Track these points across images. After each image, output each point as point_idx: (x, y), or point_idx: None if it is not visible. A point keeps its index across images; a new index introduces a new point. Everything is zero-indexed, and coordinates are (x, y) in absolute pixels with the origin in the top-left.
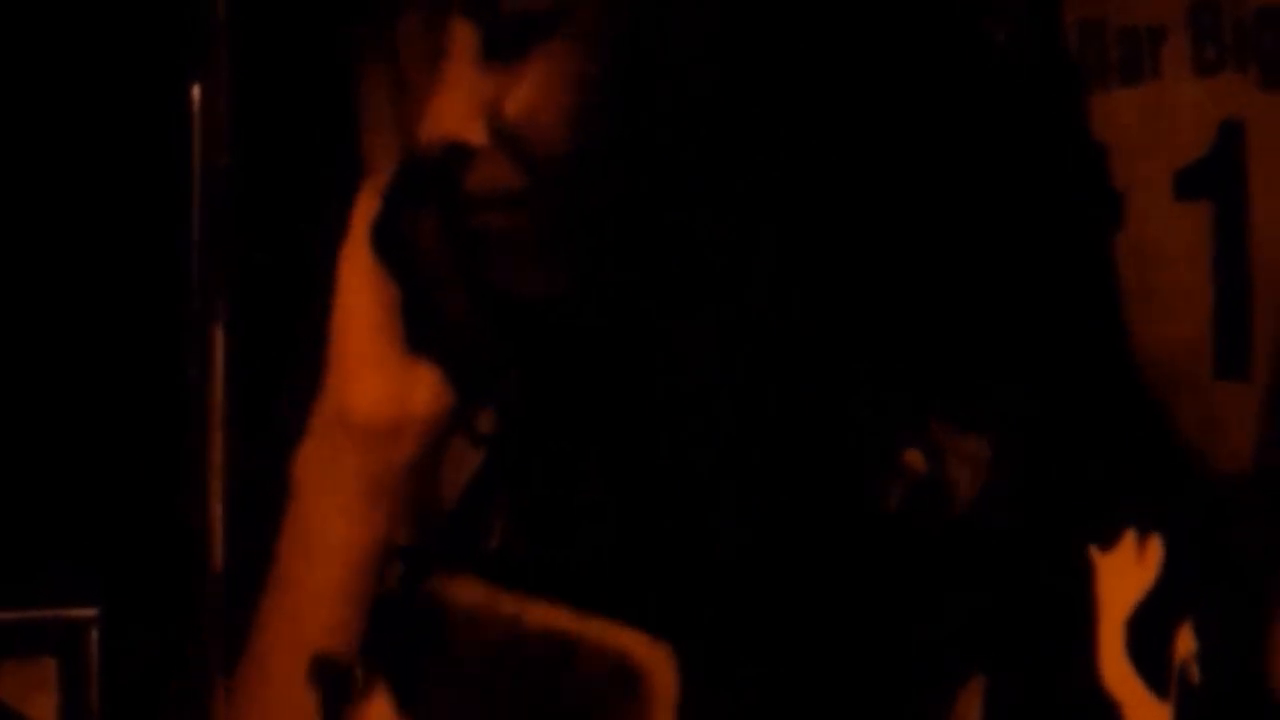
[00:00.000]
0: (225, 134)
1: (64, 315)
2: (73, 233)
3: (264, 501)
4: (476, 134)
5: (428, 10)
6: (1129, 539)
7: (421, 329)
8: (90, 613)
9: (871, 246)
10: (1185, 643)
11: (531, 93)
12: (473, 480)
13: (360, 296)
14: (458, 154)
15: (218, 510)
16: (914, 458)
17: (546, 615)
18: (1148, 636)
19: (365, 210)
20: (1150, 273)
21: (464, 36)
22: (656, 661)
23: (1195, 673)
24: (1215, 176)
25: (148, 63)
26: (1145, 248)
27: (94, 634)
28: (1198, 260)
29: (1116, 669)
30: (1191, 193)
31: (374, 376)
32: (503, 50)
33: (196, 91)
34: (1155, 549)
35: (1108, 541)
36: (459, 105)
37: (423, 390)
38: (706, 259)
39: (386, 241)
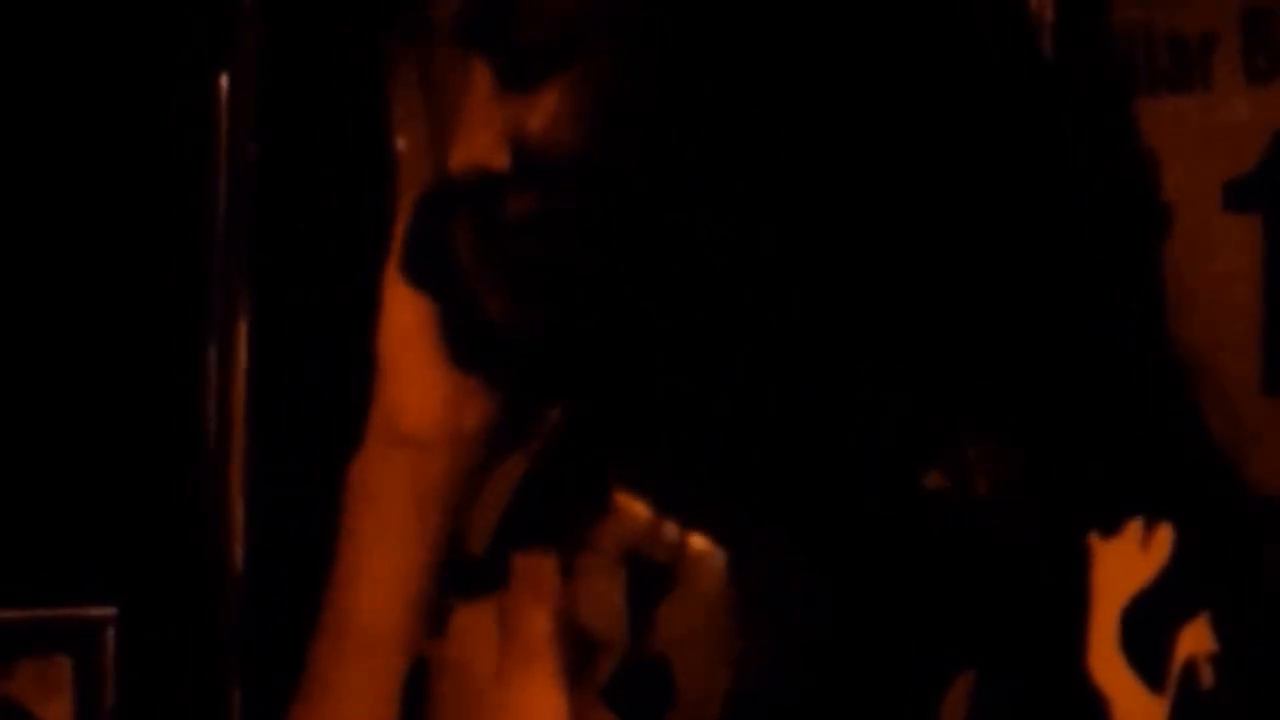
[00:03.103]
0: (253, 123)
1: (85, 308)
2: (99, 222)
3: (284, 501)
4: (502, 161)
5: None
6: (1134, 527)
7: (467, 344)
8: (107, 612)
9: (914, 257)
10: (1196, 641)
11: (549, 120)
12: (518, 487)
13: (408, 310)
14: (487, 181)
15: (237, 510)
16: (937, 478)
17: None
18: (1145, 629)
19: (404, 229)
20: (1198, 284)
21: (481, 70)
22: None
23: (1207, 674)
24: (1265, 187)
25: (176, 51)
26: (1193, 259)
27: (111, 633)
28: (1247, 273)
29: (1107, 661)
30: (1241, 204)
31: (425, 389)
32: (519, 81)
33: (224, 80)
34: (1163, 539)
35: (1110, 528)
36: (483, 134)
37: (474, 401)
38: (727, 276)
39: (423, 259)
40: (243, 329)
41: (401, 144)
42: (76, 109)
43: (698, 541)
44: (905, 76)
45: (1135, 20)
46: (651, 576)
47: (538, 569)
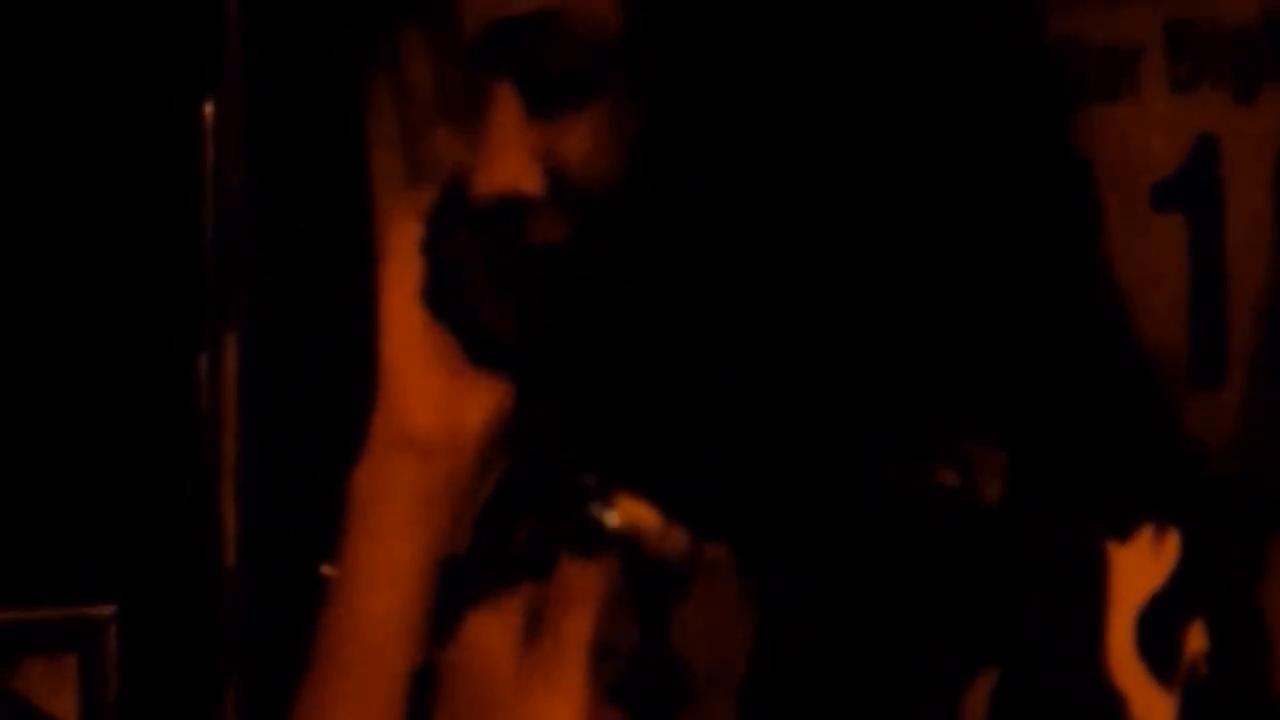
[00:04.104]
0: (238, 150)
1: (80, 321)
2: (89, 245)
3: (278, 499)
4: (534, 184)
5: (434, 37)
6: (1145, 533)
7: (469, 353)
8: (108, 610)
9: (880, 265)
10: (1197, 640)
11: (585, 145)
12: (499, 486)
13: (409, 314)
14: (515, 206)
15: (232, 507)
16: (946, 475)
17: None
18: (1158, 629)
19: (404, 232)
20: (1129, 283)
21: (507, 94)
22: None
23: (1203, 670)
24: (1191, 189)
25: (161, 79)
26: (1123, 259)
27: (112, 631)
28: (1175, 270)
29: (1124, 661)
30: (1168, 205)
31: (428, 391)
32: (547, 106)
33: (209, 108)
34: (1172, 544)
35: (1124, 535)
36: (514, 158)
37: (476, 403)
38: (731, 276)
39: (429, 277)
40: (232, 335)
41: (377, 164)
42: (64, 138)
43: (709, 547)
44: (908, 87)
45: (1068, 34)
46: (662, 581)
47: (583, 576)
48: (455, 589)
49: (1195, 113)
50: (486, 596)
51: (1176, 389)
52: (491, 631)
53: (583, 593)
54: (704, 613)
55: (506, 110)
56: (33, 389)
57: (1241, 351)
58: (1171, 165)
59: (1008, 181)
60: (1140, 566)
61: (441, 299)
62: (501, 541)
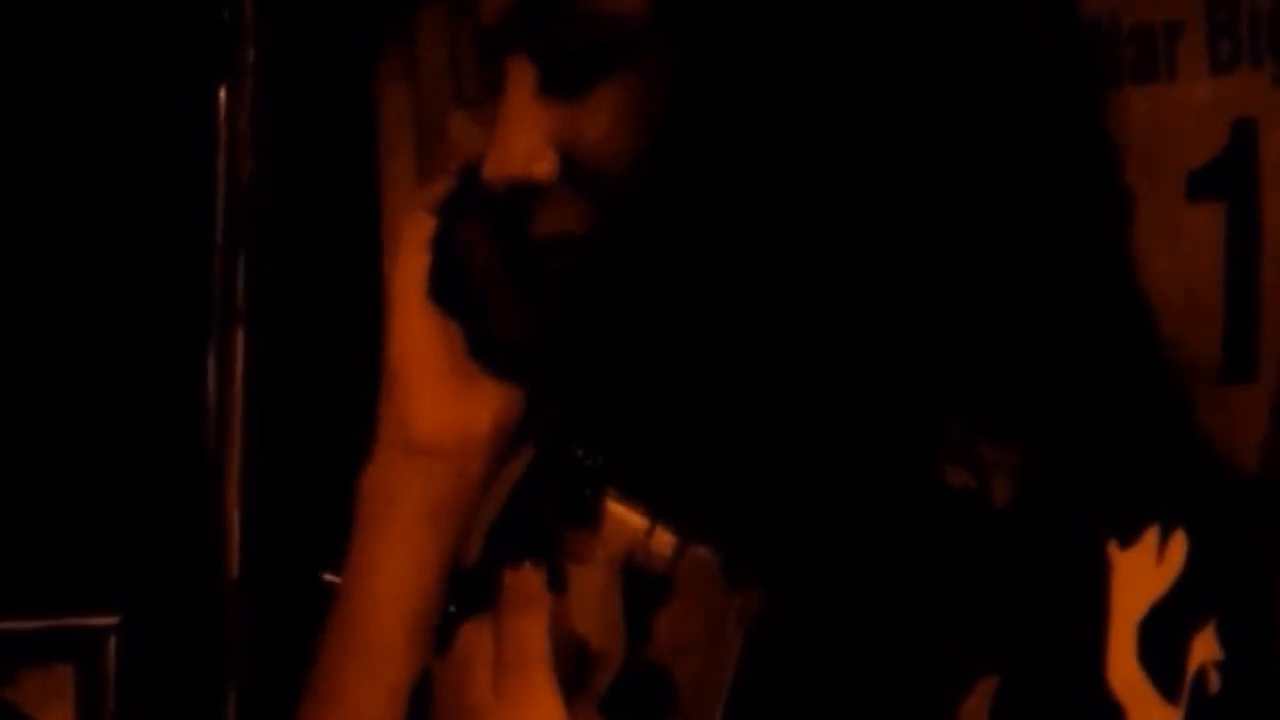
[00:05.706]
0: (250, 137)
1: (83, 319)
2: (97, 236)
3: (283, 509)
4: (546, 168)
5: (452, 19)
6: (1150, 536)
7: (482, 351)
8: (109, 620)
9: (896, 258)
10: (1205, 649)
11: (601, 127)
12: (514, 493)
13: (417, 315)
14: (526, 192)
15: (236, 518)
16: (956, 474)
17: None
18: (1162, 638)
19: (415, 230)
20: (1162, 274)
21: (522, 72)
22: None
23: (1215, 681)
24: (1227, 176)
25: (174, 65)
26: (1157, 249)
27: (112, 642)
28: (1210, 262)
29: (1125, 671)
30: (1204, 193)
31: (436, 396)
32: (565, 85)
33: (222, 94)
34: (1178, 547)
35: (1128, 538)
36: (526, 140)
37: (485, 408)
38: (743, 275)
39: (441, 264)
40: (240, 339)
41: (388, 154)
42: (74, 124)
43: (695, 550)
44: (919, 83)
45: (1100, 11)
46: (647, 586)
47: (525, 582)
48: (460, 596)
49: (1234, 95)
50: (474, 608)
51: (1208, 387)
52: (475, 643)
53: (527, 596)
54: (688, 619)
55: (520, 89)
56: (31, 390)
57: (1274, 346)
58: (1209, 151)
59: (1032, 171)
60: (1144, 572)
61: (450, 296)
62: (514, 550)
